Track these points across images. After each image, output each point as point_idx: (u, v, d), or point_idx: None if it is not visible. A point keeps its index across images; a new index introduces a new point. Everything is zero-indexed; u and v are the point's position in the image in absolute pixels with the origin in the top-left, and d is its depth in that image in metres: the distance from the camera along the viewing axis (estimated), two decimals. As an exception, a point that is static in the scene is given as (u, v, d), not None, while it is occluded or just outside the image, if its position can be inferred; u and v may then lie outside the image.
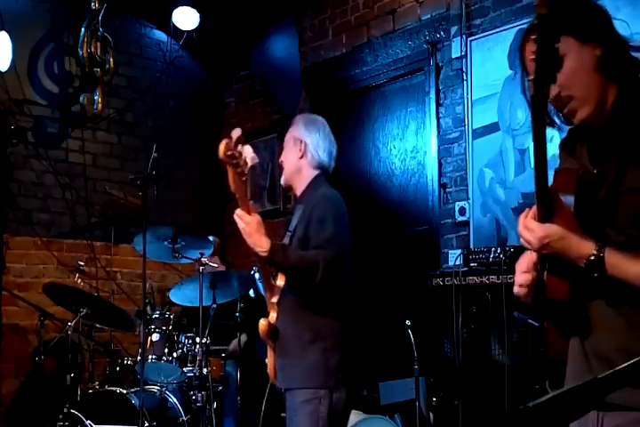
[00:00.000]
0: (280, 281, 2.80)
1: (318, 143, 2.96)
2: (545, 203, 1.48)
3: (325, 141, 2.99)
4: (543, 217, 1.49)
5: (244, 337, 4.58)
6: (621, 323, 1.48)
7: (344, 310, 2.79)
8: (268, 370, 2.88)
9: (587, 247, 1.47)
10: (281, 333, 2.79)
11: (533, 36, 1.41)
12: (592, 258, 1.45)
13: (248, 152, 2.46)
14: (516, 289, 1.60)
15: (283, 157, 3.04)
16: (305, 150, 2.94)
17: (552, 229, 1.48)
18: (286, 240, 2.88)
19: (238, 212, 2.63)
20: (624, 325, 1.47)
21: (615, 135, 1.55)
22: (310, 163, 2.94)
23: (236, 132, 2.43)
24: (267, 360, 2.90)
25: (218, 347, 4.56)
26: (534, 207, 1.52)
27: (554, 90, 1.55)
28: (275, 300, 2.80)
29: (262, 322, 2.84)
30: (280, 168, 3.08)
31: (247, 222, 2.61)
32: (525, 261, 1.59)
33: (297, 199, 3.01)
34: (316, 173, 2.95)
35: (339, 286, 2.74)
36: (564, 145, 1.73)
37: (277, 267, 2.74)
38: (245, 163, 2.45)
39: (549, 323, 1.59)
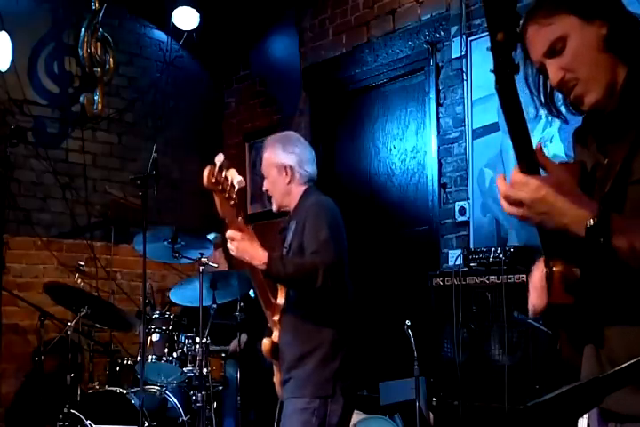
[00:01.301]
0: (280, 299, 2.80)
1: (301, 159, 2.92)
2: (529, 158, 1.30)
3: (305, 153, 2.95)
4: (529, 173, 1.31)
5: (244, 337, 4.58)
6: (635, 329, 1.37)
7: (343, 318, 2.76)
8: (277, 390, 2.89)
9: (589, 206, 1.27)
10: (281, 349, 2.79)
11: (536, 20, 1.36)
12: (594, 220, 1.25)
13: (234, 176, 2.44)
14: (531, 311, 1.51)
15: (268, 187, 2.97)
16: (292, 174, 2.89)
17: (548, 179, 1.29)
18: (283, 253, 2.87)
19: (229, 234, 2.59)
20: (636, 327, 1.37)
21: (624, 120, 1.42)
22: (299, 181, 2.91)
23: (219, 158, 2.41)
24: (274, 379, 2.91)
25: (218, 347, 4.56)
26: (513, 171, 1.35)
27: (558, 73, 1.47)
28: (276, 318, 2.81)
29: (265, 342, 2.85)
30: (267, 195, 3.03)
31: (240, 241, 2.57)
32: (538, 278, 1.49)
33: (290, 215, 2.97)
34: (304, 187, 2.92)
35: (337, 292, 2.70)
36: (576, 135, 1.60)
37: (276, 278, 2.69)
38: (232, 187, 2.44)
39: (560, 331, 1.52)
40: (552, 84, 1.50)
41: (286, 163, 2.90)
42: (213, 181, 2.39)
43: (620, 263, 1.29)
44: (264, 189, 3.01)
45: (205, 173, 2.39)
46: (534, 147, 1.33)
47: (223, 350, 4.60)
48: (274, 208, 3.02)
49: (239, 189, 2.46)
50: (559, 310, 1.44)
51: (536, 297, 1.52)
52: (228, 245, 2.61)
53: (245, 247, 2.59)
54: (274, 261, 2.59)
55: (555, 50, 1.47)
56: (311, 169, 2.94)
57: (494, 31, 1.12)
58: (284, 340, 2.78)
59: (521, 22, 1.46)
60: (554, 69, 1.48)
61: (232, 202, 2.46)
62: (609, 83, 1.45)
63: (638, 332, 1.38)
